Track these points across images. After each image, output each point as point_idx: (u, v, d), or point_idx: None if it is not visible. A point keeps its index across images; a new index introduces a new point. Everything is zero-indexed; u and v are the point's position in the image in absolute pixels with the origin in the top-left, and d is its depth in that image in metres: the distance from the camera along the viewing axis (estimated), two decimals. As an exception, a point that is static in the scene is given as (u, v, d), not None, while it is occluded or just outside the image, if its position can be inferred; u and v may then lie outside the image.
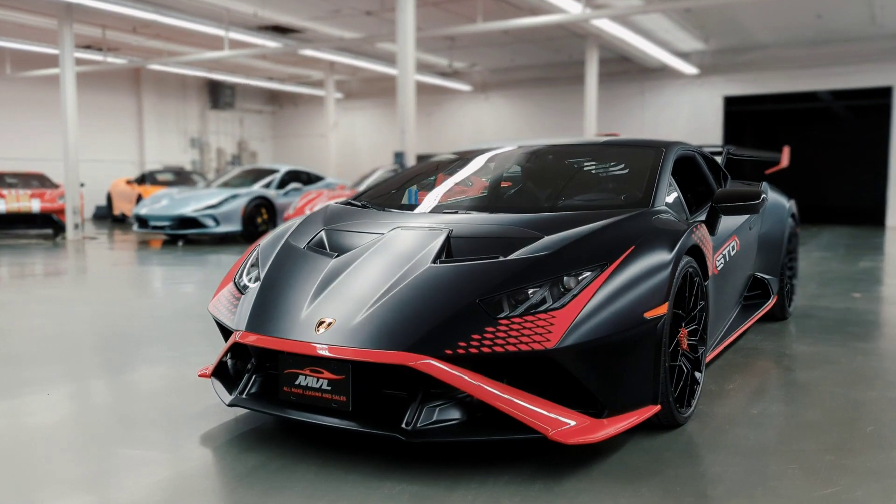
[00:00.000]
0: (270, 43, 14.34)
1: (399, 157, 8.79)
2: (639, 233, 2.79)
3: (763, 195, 3.40)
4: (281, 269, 3.04)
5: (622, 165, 3.82)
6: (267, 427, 2.94)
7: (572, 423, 2.38)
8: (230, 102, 21.48)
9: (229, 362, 2.96)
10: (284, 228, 3.49)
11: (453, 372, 2.36)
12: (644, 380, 2.59)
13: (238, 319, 2.84)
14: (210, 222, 11.40)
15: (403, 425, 2.40)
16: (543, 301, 2.49)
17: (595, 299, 2.46)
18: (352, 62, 16.11)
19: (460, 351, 2.38)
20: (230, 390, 2.86)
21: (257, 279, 3.05)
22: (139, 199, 15.19)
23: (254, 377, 2.80)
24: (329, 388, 2.51)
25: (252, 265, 3.23)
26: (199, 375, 3.14)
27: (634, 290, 2.55)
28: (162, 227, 11.58)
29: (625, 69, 17.63)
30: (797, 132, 22.24)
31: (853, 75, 15.32)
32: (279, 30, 14.87)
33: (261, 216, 11.82)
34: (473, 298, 2.52)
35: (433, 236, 2.96)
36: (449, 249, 2.85)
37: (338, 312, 2.62)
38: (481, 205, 3.74)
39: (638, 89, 17.85)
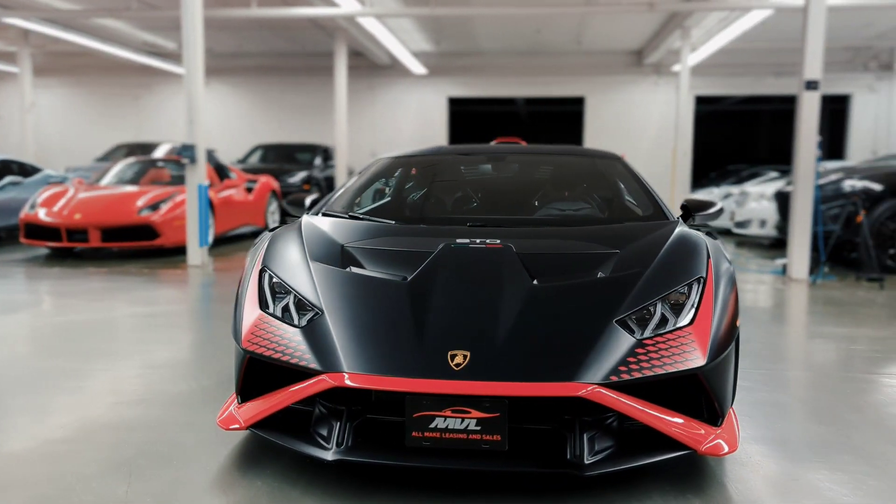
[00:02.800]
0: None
1: (189, 150, 7.87)
2: (701, 245, 2.97)
3: (720, 204, 3.82)
4: (342, 296, 2.67)
5: (599, 175, 3.99)
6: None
7: (713, 436, 2.49)
8: None
9: (318, 410, 2.52)
10: (282, 245, 3.06)
11: (620, 399, 2.33)
12: (733, 386, 2.79)
13: (325, 360, 2.43)
14: None
15: (570, 459, 2.30)
16: (665, 318, 2.56)
17: (716, 313, 2.61)
18: (60, 34, 13.86)
19: (624, 376, 2.35)
20: (309, 442, 2.45)
21: (310, 309, 2.64)
22: None
23: (347, 425, 2.44)
24: (478, 427, 2.30)
25: (278, 293, 2.77)
26: (229, 427, 2.61)
27: (729, 301, 2.74)
28: None
29: (355, 64, 17.81)
30: (510, 133, 24.47)
31: (557, 85, 17.47)
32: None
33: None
34: (607, 320, 2.50)
35: (499, 254, 2.84)
36: (527, 268, 2.76)
37: (465, 345, 2.40)
38: (500, 216, 3.61)
39: (368, 85, 18.19)
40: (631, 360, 2.38)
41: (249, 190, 11.21)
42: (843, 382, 3.83)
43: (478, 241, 2.97)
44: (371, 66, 17.84)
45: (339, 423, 2.45)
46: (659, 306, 2.58)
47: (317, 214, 3.55)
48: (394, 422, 2.45)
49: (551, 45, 16.39)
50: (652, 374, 2.37)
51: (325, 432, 2.48)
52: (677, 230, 3.10)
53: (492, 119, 23.77)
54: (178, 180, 10.15)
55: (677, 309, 2.59)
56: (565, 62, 17.25)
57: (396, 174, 4.11)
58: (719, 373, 2.54)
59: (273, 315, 2.69)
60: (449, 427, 2.31)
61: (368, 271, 2.80)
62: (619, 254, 2.85)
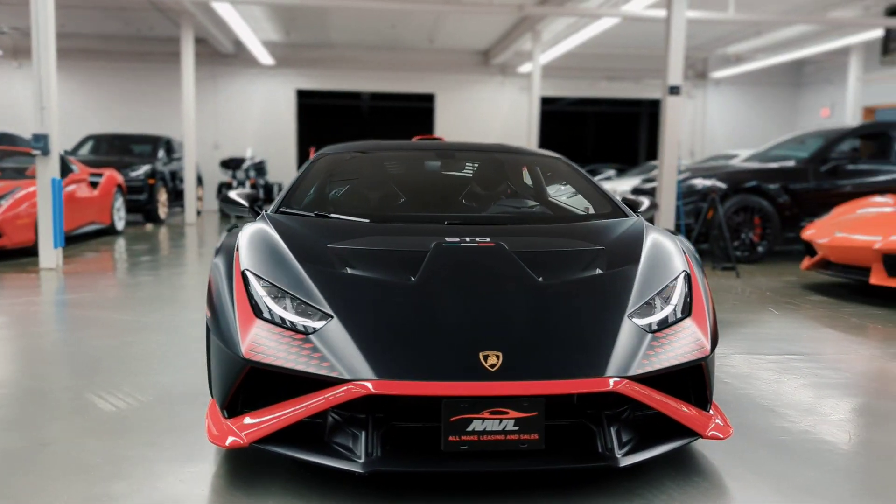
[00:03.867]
0: None
1: (41, 140, 7.03)
2: (675, 241, 3.13)
3: (648, 202, 4.01)
4: (351, 300, 2.55)
5: (549, 173, 4.06)
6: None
7: (711, 421, 2.62)
8: None
9: (332, 419, 2.37)
10: (260, 247, 2.86)
11: (646, 391, 2.41)
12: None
13: (349, 367, 2.31)
14: None
15: (602, 452, 2.35)
16: (664, 311, 2.68)
17: (707, 305, 2.77)
18: None
19: (648, 369, 2.43)
20: (331, 455, 2.32)
21: (315, 315, 2.49)
22: None
23: (373, 434, 2.33)
24: (516, 428, 2.29)
25: (277, 297, 2.59)
26: (226, 445, 2.40)
27: (709, 293, 2.92)
28: None
29: (197, 51, 16.82)
30: (359, 127, 24.10)
31: (408, 81, 17.57)
32: None
33: None
34: (621, 315, 2.57)
35: (495, 252, 2.83)
36: (526, 266, 2.77)
37: (496, 345, 2.38)
38: (464, 213, 3.61)
39: (210, 74, 17.25)
40: (650, 352, 2.48)
41: (94, 185, 10.27)
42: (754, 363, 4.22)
43: (467, 239, 2.94)
44: (213, 54, 16.93)
45: (364, 433, 2.34)
46: (658, 300, 2.71)
47: (275, 213, 3.35)
48: (420, 428, 2.39)
49: (405, 42, 16.46)
50: (669, 365, 2.48)
51: (346, 442, 2.36)
52: (646, 227, 3.26)
53: (336, 113, 23.41)
54: (13, 174, 9.07)
55: (669, 303, 2.72)
56: (417, 59, 17.40)
57: (344, 170, 3.96)
58: (712, 361, 2.71)
59: (272, 322, 2.51)
60: (486, 429, 2.28)
61: (368, 273, 2.69)
62: (604, 250, 2.95)
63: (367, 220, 3.25)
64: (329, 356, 2.36)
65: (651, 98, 18.90)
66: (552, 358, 2.38)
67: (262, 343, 2.44)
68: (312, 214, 3.31)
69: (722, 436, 2.57)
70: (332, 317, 2.48)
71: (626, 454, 2.38)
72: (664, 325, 2.60)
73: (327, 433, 2.42)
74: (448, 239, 2.93)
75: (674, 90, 7.75)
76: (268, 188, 16.13)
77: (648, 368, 2.43)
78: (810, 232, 6.76)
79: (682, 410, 2.51)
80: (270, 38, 16.57)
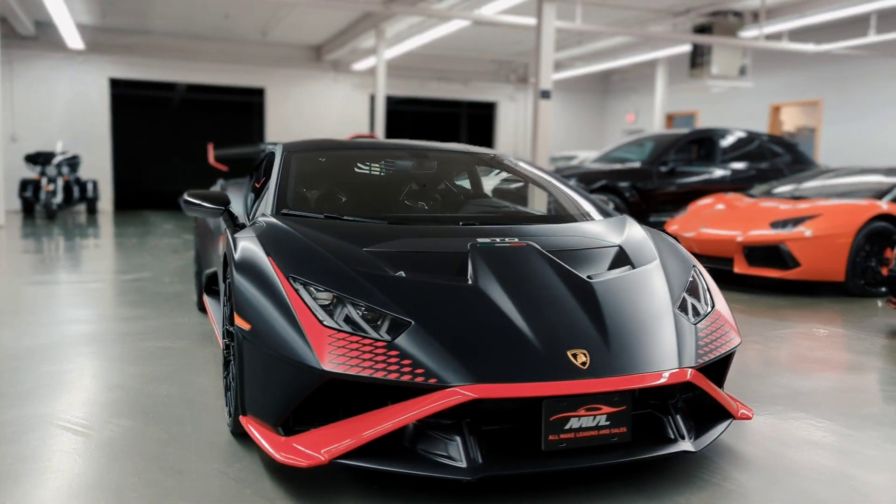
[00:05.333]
0: None
1: None
2: (665, 236, 3.34)
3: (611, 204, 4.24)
4: (422, 304, 2.48)
5: (504, 175, 4.10)
6: None
7: (738, 404, 2.85)
8: None
9: (412, 427, 2.28)
10: (296, 251, 2.69)
11: (705, 379, 2.58)
12: None
13: (444, 373, 2.26)
14: None
15: (674, 440, 2.48)
16: (695, 305, 2.85)
17: (721, 297, 3.00)
18: None
19: (704, 358, 2.60)
20: (429, 464, 2.25)
21: (385, 320, 2.39)
22: None
23: (470, 439, 2.29)
24: (608, 422, 2.37)
25: (335, 303, 2.45)
26: (310, 464, 2.24)
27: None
28: None
29: (-13, 31, 14.82)
30: (170, 120, 22.46)
31: (237, 73, 16.75)
32: None
33: None
34: (670, 309, 2.71)
35: (532, 252, 2.86)
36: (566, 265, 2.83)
37: (580, 343, 2.43)
38: (485, 214, 3.66)
39: (5, 58, 15.23)
40: (701, 343, 2.65)
41: None
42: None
43: (497, 240, 2.94)
44: (9, 34, 14.96)
45: (460, 438, 2.28)
46: (687, 294, 2.89)
47: (276, 215, 3.12)
48: (507, 429, 2.37)
49: (236, 33, 15.67)
50: (718, 354, 2.67)
51: (437, 449, 2.29)
52: (642, 225, 3.45)
53: (146, 103, 21.80)
54: None
55: (697, 296, 2.92)
56: (247, 51, 16.63)
57: (325, 169, 3.75)
58: None
59: (341, 330, 2.36)
60: (582, 426, 2.33)
61: (423, 276, 2.61)
62: (621, 247, 3.08)
63: (385, 223, 3.13)
64: (423, 362, 2.27)
65: (476, 100, 19.63)
66: (633, 352, 2.47)
67: (338, 353, 2.29)
68: (321, 216, 3.12)
69: (750, 416, 2.81)
70: (409, 322, 2.39)
71: (694, 439, 2.52)
72: (701, 316, 2.79)
73: (409, 440, 2.33)
74: (480, 240, 2.92)
75: (545, 94, 8.17)
76: (82, 186, 14.63)
77: (706, 358, 2.60)
78: (675, 227, 7.45)
79: (723, 395, 2.71)
80: (81, 21, 15.00)
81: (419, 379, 2.24)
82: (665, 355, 2.50)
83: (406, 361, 2.28)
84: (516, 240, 2.97)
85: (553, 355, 2.37)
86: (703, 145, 10.36)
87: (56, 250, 9.12)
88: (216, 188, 5.12)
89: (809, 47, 12.05)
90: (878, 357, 4.51)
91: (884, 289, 6.50)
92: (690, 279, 2.96)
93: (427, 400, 2.23)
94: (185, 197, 3.44)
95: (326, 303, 2.47)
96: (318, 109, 17.63)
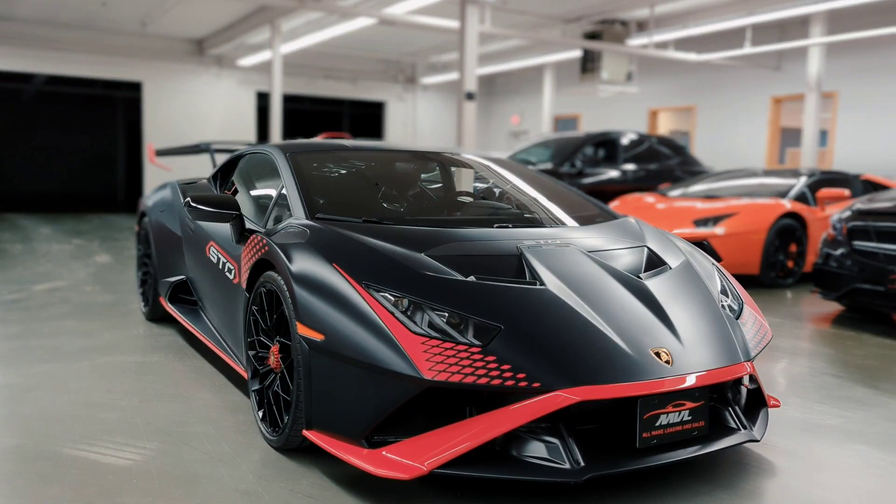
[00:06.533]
0: None
1: None
2: (676, 237, 3.47)
3: None
4: (504, 308, 2.48)
5: (504, 176, 4.09)
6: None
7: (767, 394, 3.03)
8: None
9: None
10: (363, 258, 2.60)
11: (756, 371, 2.73)
12: None
13: (545, 377, 2.27)
14: None
15: (738, 429, 2.60)
16: (730, 300, 2.99)
17: (745, 291, 3.17)
18: None
19: (756, 351, 2.74)
20: (531, 468, 2.25)
21: (470, 325, 2.37)
22: None
23: (569, 441, 2.30)
24: (689, 417, 2.46)
25: (414, 309, 2.39)
26: (412, 476, 2.18)
27: None
28: None
29: None
30: (38, 115, 20.46)
31: (111, 66, 15.63)
32: None
33: None
34: (717, 305, 2.83)
35: (579, 253, 2.90)
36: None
37: (659, 341, 2.51)
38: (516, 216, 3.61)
39: None
40: (748, 336, 2.79)
41: None
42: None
43: (542, 242, 2.95)
44: None
45: (559, 440, 2.28)
46: (720, 292, 3.02)
47: (312, 220, 2.96)
48: (596, 428, 2.41)
49: (112, 23, 14.60)
50: (763, 346, 2.83)
51: (534, 453, 2.28)
52: (653, 226, 3.57)
53: (22, 98, 19.87)
54: None
55: (726, 293, 3.06)
56: (123, 43, 15.53)
57: (337, 172, 3.59)
58: None
59: (430, 336, 2.31)
60: (670, 422, 2.40)
61: (492, 281, 2.59)
62: (650, 248, 3.18)
63: (426, 226, 3.05)
64: (523, 367, 2.26)
65: (365, 99, 19.45)
66: (704, 349, 2.57)
67: (435, 360, 2.24)
68: (360, 220, 3.00)
69: (778, 404, 3.00)
70: (499, 327, 2.36)
71: (755, 429, 2.66)
72: (737, 313, 2.94)
73: (503, 445, 2.30)
74: (527, 242, 2.92)
75: (469, 96, 8.25)
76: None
77: (755, 351, 2.75)
78: (600, 226, 7.76)
79: (762, 385, 2.88)
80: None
81: (522, 384, 2.23)
82: (729, 350, 2.62)
83: (505, 367, 2.26)
84: (558, 241, 2.99)
85: (639, 355, 2.42)
86: (605, 147, 10.84)
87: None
88: (165, 190, 4.78)
89: (692, 56, 12.91)
90: (819, 343, 4.93)
91: (790, 280, 7.11)
92: (718, 277, 3.10)
93: (533, 405, 2.21)
94: (192, 202, 3.20)
95: (403, 309, 2.40)
96: (201, 106, 16.81)
